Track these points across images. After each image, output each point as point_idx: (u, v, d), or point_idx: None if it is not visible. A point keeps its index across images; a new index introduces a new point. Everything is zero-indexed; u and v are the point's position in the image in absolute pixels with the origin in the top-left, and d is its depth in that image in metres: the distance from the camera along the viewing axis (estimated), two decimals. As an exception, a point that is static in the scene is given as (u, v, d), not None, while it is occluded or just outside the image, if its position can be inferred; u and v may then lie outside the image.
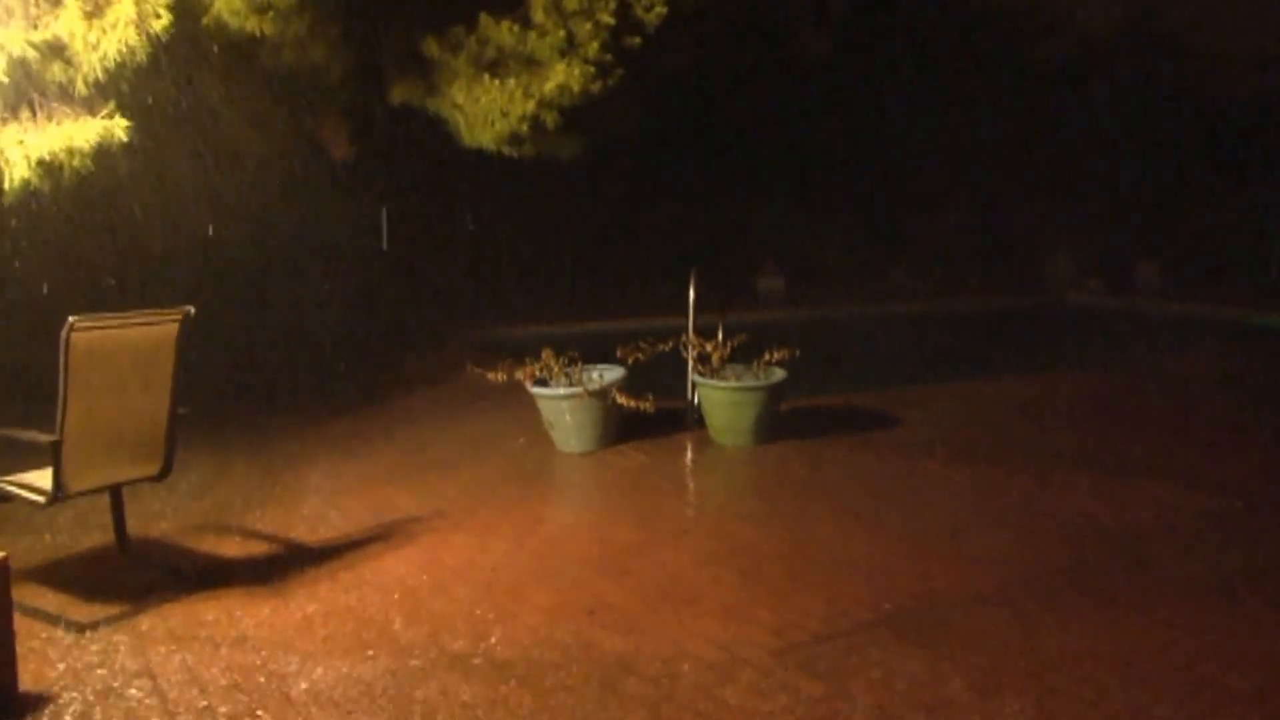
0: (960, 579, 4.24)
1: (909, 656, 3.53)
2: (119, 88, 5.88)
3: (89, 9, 5.55)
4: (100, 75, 5.64)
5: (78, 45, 5.59)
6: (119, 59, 5.57)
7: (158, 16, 5.59)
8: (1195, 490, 5.41)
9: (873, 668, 3.45)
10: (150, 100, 6.72)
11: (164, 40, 5.72)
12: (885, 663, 3.48)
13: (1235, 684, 3.33)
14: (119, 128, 5.67)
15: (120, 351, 4.12)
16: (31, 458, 4.18)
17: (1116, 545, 4.65)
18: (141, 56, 5.63)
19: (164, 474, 4.46)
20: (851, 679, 3.37)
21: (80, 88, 5.68)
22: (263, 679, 3.45)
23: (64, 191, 5.90)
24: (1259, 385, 8.55)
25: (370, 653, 3.64)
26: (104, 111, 5.72)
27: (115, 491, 4.50)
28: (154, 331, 4.25)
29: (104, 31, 5.54)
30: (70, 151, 5.56)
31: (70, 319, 3.86)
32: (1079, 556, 4.50)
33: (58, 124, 5.66)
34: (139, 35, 5.54)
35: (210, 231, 9.15)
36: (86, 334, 3.93)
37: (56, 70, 5.71)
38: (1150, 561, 4.44)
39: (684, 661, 3.52)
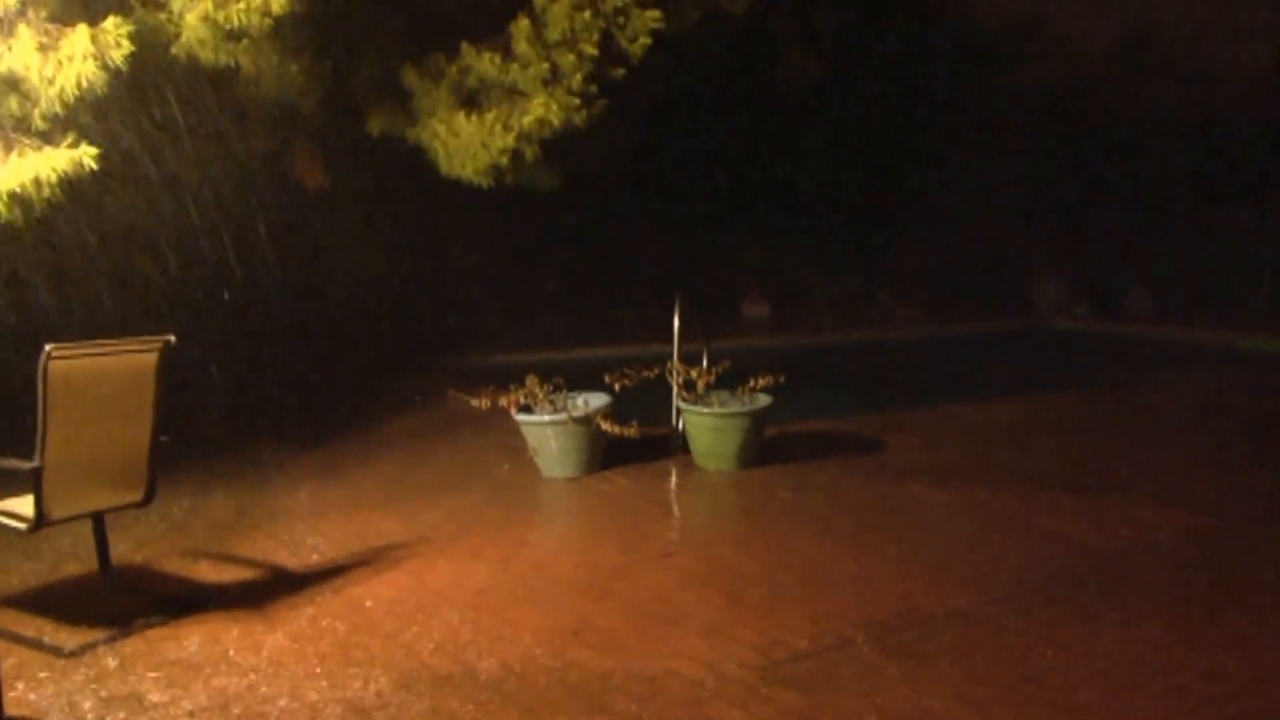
0: (943, 596, 4.27)
1: (891, 671, 3.55)
2: (79, 120, 5.66)
3: (44, 41, 5.35)
4: (59, 109, 5.44)
5: (34, 79, 5.40)
6: (77, 93, 5.37)
7: (118, 45, 5.37)
8: (1174, 509, 5.46)
9: (855, 682, 3.47)
10: (113, 131, 6.50)
11: (126, 69, 5.50)
12: (868, 677, 3.51)
13: (1211, 693, 3.37)
14: (88, 156, 5.44)
15: (99, 380, 4.11)
16: (14, 484, 4.18)
17: (1097, 562, 4.69)
18: (101, 90, 5.44)
19: (146, 501, 4.47)
20: (834, 693, 3.39)
21: (37, 122, 5.48)
22: (247, 703, 3.45)
23: (35, 223, 5.74)
24: (1243, 408, 8.61)
25: (356, 675, 3.64)
26: (66, 141, 5.47)
27: (98, 518, 4.48)
28: (134, 360, 4.25)
29: (60, 65, 5.34)
30: (38, 183, 5.34)
31: (47, 347, 3.86)
32: (1060, 573, 4.53)
33: (20, 155, 5.41)
34: (98, 68, 5.34)
35: (176, 260, 9.03)
36: (64, 362, 3.93)
37: (13, 104, 5.51)
38: (1129, 577, 4.49)
39: (669, 679, 3.53)
